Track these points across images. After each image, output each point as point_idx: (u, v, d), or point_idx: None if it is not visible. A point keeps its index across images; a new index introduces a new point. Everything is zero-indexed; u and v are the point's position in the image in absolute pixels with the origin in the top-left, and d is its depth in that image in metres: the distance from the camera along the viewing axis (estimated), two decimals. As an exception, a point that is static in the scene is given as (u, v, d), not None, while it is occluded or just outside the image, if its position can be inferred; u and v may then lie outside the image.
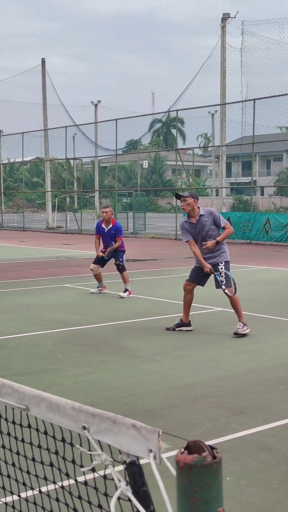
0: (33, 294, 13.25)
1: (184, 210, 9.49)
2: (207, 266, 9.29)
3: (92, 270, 13.38)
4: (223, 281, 9.28)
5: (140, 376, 7.11)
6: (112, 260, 13.38)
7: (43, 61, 40.60)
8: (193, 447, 1.51)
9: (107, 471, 1.69)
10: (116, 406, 5.98)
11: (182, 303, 9.73)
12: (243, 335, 9.06)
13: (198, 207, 9.36)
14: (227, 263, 9.41)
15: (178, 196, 9.51)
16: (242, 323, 9.19)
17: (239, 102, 31.44)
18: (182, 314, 9.69)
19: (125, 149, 54.72)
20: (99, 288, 13.55)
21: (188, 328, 9.59)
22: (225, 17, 31.53)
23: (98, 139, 45.12)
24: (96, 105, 53.52)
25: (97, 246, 13.39)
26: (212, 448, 1.51)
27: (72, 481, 2.17)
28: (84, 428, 1.77)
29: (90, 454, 1.73)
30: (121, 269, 13.09)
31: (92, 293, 13.45)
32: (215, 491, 1.48)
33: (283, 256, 21.83)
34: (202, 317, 10.65)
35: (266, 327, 9.75)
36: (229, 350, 8.33)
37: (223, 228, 9.36)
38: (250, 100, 29.65)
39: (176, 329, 9.57)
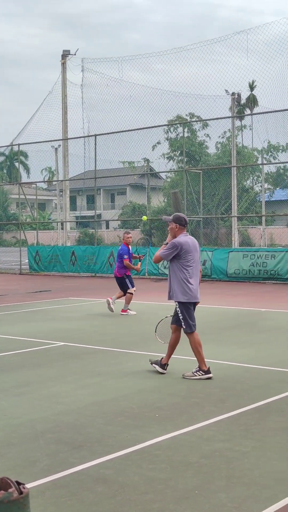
0: None
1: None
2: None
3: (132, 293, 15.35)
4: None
5: (-21, 415, 6.97)
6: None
7: None
8: (0, 484, 1.56)
9: None
10: None
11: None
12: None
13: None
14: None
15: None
16: (198, 367, 8.64)
17: (80, 137, 31.93)
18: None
19: None
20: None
21: (160, 370, 8.86)
22: (65, 54, 32.06)
23: None
24: None
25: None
26: (19, 483, 1.56)
27: None
28: None
29: None
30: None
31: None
32: (22, 525, 1.53)
33: (126, 288, 22.22)
34: (44, 352, 10.63)
35: (109, 360, 9.87)
36: (71, 384, 8.36)
37: None
38: (91, 136, 30.22)
39: (152, 364, 8.94)
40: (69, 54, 32.12)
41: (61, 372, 9.08)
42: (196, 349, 8.62)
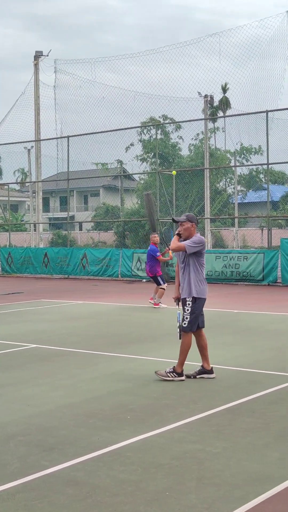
0: None
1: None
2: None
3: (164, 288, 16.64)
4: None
5: None
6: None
7: None
8: None
9: None
10: None
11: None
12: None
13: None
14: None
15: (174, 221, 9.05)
16: (172, 368, 8.57)
17: (53, 139, 31.87)
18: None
19: None
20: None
21: (211, 376, 8.67)
22: (38, 55, 31.96)
23: None
24: None
25: None
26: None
27: None
28: None
29: None
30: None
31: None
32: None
33: (99, 290, 22.23)
34: (17, 354, 10.57)
35: (81, 362, 9.85)
36: (44, 386, 8.32)
37: None
38: (64, 137, 30.15)
39: (197, 376, 8.66)
40: (42, 55, 32.05)
41: (33, 375, 9.04)
42: (184, 351, 8.57)
